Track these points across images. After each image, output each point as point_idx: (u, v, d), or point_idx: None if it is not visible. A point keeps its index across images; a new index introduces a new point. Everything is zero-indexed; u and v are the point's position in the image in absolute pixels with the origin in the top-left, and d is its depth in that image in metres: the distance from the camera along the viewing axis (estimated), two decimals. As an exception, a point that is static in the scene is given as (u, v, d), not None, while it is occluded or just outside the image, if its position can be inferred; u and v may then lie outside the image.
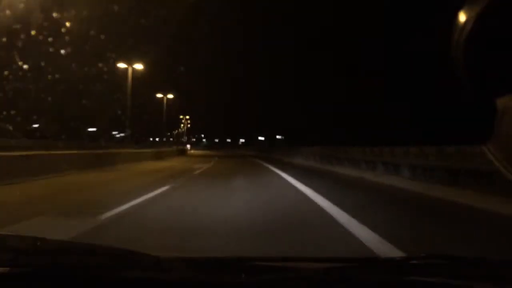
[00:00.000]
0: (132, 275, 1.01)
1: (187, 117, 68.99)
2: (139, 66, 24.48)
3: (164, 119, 38.88)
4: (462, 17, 0.81)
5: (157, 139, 55.32)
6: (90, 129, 34.95)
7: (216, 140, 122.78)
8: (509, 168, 0.80)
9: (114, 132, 43.07)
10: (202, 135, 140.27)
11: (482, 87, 0.84)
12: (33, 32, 15.80)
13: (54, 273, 0.99)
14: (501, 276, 1.07)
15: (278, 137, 58.16)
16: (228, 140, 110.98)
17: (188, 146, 38.16)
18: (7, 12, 11.88)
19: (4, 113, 17.67)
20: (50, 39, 17.20)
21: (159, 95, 38.39)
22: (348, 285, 1.01)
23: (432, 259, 1.21)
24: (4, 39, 14.79)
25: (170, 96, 39.76)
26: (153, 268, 1.08)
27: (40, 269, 1.01)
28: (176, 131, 65.03)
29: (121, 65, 24.19)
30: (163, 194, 7.28)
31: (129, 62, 24.01)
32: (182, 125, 70.02)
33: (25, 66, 18.22)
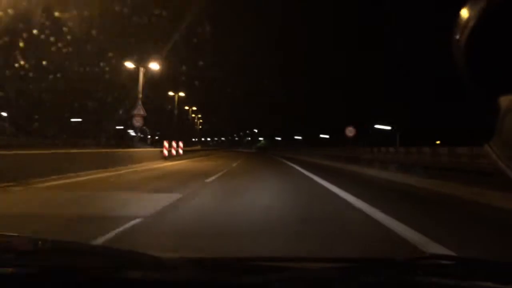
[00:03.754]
0: (133, 275, 1.01)
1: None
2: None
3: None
4: (464, 15, 0.81)
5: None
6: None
7: (278, 139, 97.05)
8: None
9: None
10: (255, 130, 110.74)
11: (484, 86, 0.83)
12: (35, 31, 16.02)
13: (54, 274, 0.99)
14: (502, 276, 1.07)
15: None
16: (298, 138, 78.17)
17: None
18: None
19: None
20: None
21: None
22: (351, 285, 1.00)
23: (434, 259, 1.21)
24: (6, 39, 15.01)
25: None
26: (153, 268, 1.07)
27: (40, 270, 1.00)
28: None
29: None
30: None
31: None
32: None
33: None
